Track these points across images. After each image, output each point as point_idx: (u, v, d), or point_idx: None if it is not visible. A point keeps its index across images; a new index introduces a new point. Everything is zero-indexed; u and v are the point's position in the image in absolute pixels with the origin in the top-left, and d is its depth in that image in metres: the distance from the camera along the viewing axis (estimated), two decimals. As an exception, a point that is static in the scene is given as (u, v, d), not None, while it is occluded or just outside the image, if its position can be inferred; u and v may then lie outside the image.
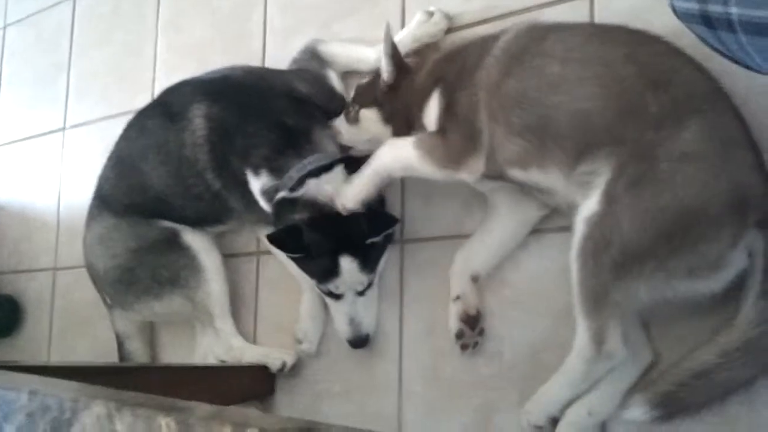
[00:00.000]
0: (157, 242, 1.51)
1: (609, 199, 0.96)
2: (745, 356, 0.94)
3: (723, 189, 0.92)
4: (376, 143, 1.28)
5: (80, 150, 2.08)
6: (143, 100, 1.70)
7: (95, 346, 1.84)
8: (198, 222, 1.54)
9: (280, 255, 1.43)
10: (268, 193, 1.33)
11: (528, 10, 1.29)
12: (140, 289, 1.52)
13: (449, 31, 1.39)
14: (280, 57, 1.60)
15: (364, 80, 1.37)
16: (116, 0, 2.10)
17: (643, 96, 0.96)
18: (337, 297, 1.31)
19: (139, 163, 1.55)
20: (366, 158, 1.23)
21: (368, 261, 1.27)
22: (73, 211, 1.97)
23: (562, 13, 1.24)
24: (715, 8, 0.65)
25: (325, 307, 1.40)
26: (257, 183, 1.35)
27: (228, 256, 1.60)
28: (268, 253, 1.56)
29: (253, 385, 1.46)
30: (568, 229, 1.05)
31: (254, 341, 1.56)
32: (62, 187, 2.09)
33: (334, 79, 1.49)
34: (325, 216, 1.25)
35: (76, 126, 2.11)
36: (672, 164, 0.93)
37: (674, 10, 0.72)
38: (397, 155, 1.18)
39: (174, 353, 1.71)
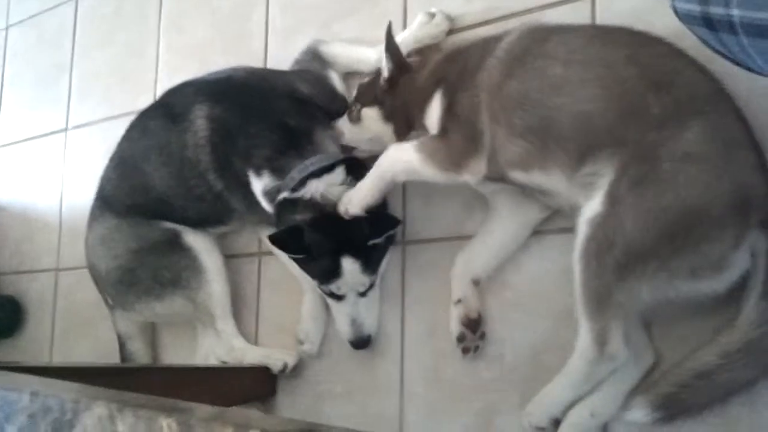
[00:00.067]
0: (158, 243, 1.51)
1: (612, 200, 0.96)
2: (746, 357, 0.94)
3: (725, 189, 0.92)
4: (378, 142, 1.29)
5: (82, 151, 2.08)
6: (145, 100, 1.70)
7: (97, 347, 1.84)
8: (200, 223, 1.54)
9: (282, 256, 1.43)
10: (270, 194, 1.33)
11: (530, 11, 1.29)
12: (142, 289, 1.52)
13: (451, 32, 1.39)
14: (281, 57, 1.60)
15: (366, 79, 1.37)
16: (118, 1, 2.10)
17: (644, 97, 0.96)
18: (338, 298, 1.31)
19: (141, 164, 1.55)
20: (367, 160, 1.23)
21: (370, 262, 1.27)
22: (75, 211, 1.98)
23: (563, 14, 1.24)
24: (716, 10, 0.65)
25: (327, 308, 1.40)
26: (259, 184, 1.35)
27: (229, 257, 1.61)
28: (270, 253, 1.56)
29: (254, 386, 1.45)
30: (569, 230, 1.05)
31: (256, 342, 1.56)
32: (64, 187, 2.09)
33: (336, 80, 1.49)
34: (326, 217, 1.25)
35: (78, 127, 2.12)
36: (674, 164, 0.93)
37: (676, 12, 0.72)
38: (399, 160, 1.18)
39: (175, 354, 1.71)
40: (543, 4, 1.28)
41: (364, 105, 1.31)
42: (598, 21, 1.21)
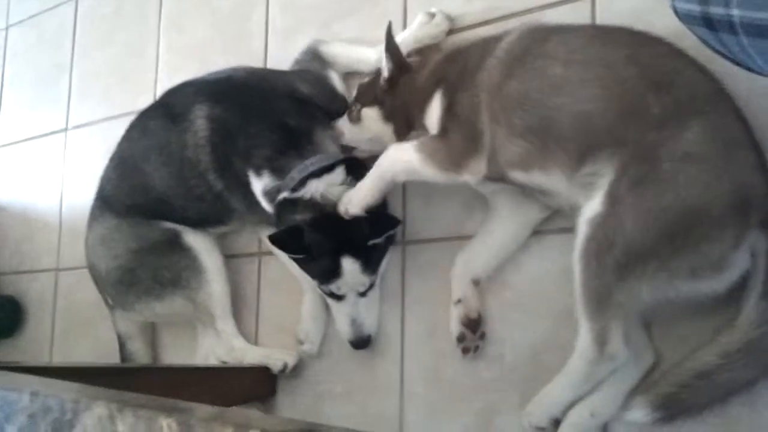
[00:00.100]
0: (158, 243, 1.51)
1: (612, 199, 0.96)
2: (746, 357, 0.94)
3: (725, 189, 0.92)
4: (378, 142, 1.28)
5: (82, 151, 2.08)
6: (145, 101, 1.70)
7: (97, 347, 1.84)
8: (200, 223, 1.54)
9: (282, 256, 1.43)
10: (270, 194, 1.33)
11: (530, 11, 1.29)
12: (142, 289, 1.52)
13: (451, 32, 1.39)
14: (281, 57, 1.60)
15: (366, 79, 1.37)
16: (118, 1, 2.10)
17: (644, 97, 0.96)
18: (338, 298, 1.31)
19: (141, 164, 1.55)
20: (367, 160, 1.23)
21: (370, 262, 1.27)
22: (75, 211, 1.98)
23: (563, 14, 1.24)
24: (716, 10, 0.65)
25: (327, 308, 1.40)
26: (259, 183, 1.35)
27: (229, 257, 1.61)
28: (270, 253, 1.56)
29: (254, 386, 1.45)
30: (568, 230, 1.05)
31: (256, 342, 1.56)
32: (64, 187, 2.09)
33: (336, 80, 1.49)
34: (326, 217, 1.25)
35: (78, 127, 2.12)
36: (674, 164, 0.93)
37: (676, 12, 0.72)
38: (399, 160, 1.18)
39: (175, 354, 1.71)
40: (543, 4, 1.28)
41: (364, 105, 1.31)
42: (598, 21, 1.21)
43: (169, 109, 1.51)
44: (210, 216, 1.53)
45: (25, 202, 2.20)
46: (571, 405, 1.07)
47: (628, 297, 0.96)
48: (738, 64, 0.72)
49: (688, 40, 0.83)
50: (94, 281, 1.65)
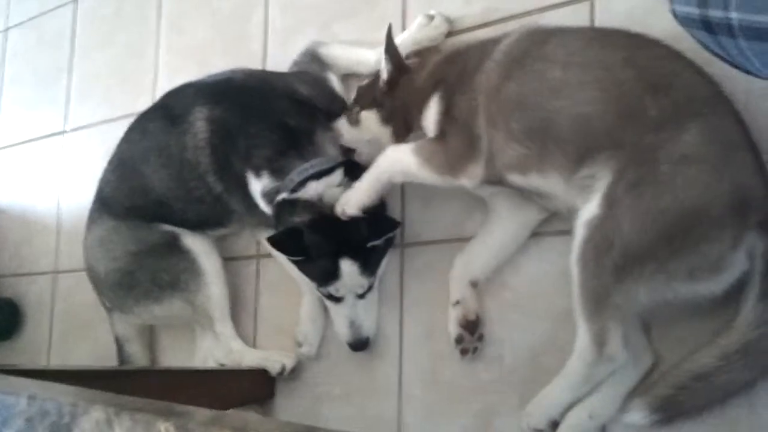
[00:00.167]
0: (157, 245, 1.51)
1: (609, 202, 0.96)
2: (744, 358, 0.94)
3: (724, 191, 0.92)
4: (377, 144, 1.28)
5: (81, 153, 2.08)
6: (145, 102, 1.70)
7: (96, 350, 1.83)
8: (199, 225, 1.54)
9: (281, 258, 1.43)
10: (269, 195, 1.33)
11: (529, 13, 1.30)
12: (140, 292, 1.52)
13: (450, 34, 1.39)
14: (280, 58, 1.60)
15: (365, 82, 1.37)
16: (118, 2, 2.10)
17: (642, 99, 0.96)
18: (337, 300, 1.30)
19: (140, 166, 1.55)
20: (366, 164, 1.23)
21: (369, 264, 1.27)
22: (74, 214, 1.97)
23: (563, 16, 1.24)
24: (715, 13, 0.65)
25: (326, 310, 1.40)
26: (258, 184, 1.35)
27: (228, 260, 1.60)
28: (269, 256, 1.56)
29: (252, 388, 1.45)
30: (567, 232, 1.05)
31: (254, 344, 1.56)
32: (63, 190, 2.09)
33: (335, 82, 1.49)
34: (325, 218, 1.25)
35: (77, 129, 2.11)
36: (672, 166, 0.93)
37: (674, 15, 0.72)
38: (397, 161, 1.18)
39: (174, 356, 1.71)
40: (542, 6, 1.28)
41: (363, 107, 1.31)
42: (597, 23, 1.21)
43: (169, 111, 1.51)
44: (209, 218, 1.53)
45: (24, 205, 2.20)
46: (570, 406, 1.07)
47: (626, 299, 0.96)
48: (736, 66, 0.72)
49: (686, 42, 0.83)
50: (92, 284, 1.64)
